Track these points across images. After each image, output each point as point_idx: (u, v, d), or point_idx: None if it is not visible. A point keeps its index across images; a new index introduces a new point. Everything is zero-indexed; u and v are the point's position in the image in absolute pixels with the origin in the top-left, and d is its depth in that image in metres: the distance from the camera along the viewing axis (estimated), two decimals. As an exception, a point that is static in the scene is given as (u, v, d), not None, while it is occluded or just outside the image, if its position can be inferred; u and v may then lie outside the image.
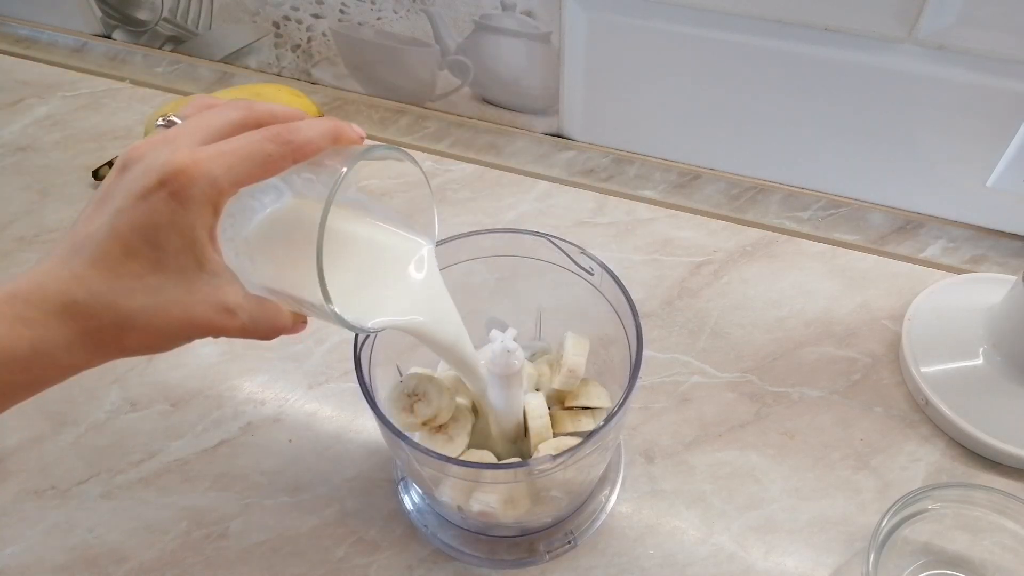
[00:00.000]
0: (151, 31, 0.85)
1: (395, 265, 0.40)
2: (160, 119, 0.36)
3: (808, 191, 0.70)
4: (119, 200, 0.31)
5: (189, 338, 0.33)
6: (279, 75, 0.83)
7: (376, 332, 0.40)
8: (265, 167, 0.32)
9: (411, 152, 0.37)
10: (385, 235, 0.41)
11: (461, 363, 0.44)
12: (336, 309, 0.34)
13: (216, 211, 0.32)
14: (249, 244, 0.36)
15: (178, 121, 0.35)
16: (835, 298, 0.64)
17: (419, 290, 0.41)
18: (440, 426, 0.48)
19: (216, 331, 0.34)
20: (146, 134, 0.75)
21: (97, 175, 0.74)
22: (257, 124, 0.34)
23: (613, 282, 0.46)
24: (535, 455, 0.48)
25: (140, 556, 0.51)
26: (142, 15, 0.84)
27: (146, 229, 0.31)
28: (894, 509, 0.47)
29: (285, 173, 0.34)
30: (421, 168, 0.38)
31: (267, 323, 0.36)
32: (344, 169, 0.33)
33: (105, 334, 0.32)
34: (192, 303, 0.33)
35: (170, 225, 0.31)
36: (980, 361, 0.57)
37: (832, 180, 0.69)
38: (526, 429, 0.50)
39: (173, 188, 0.31)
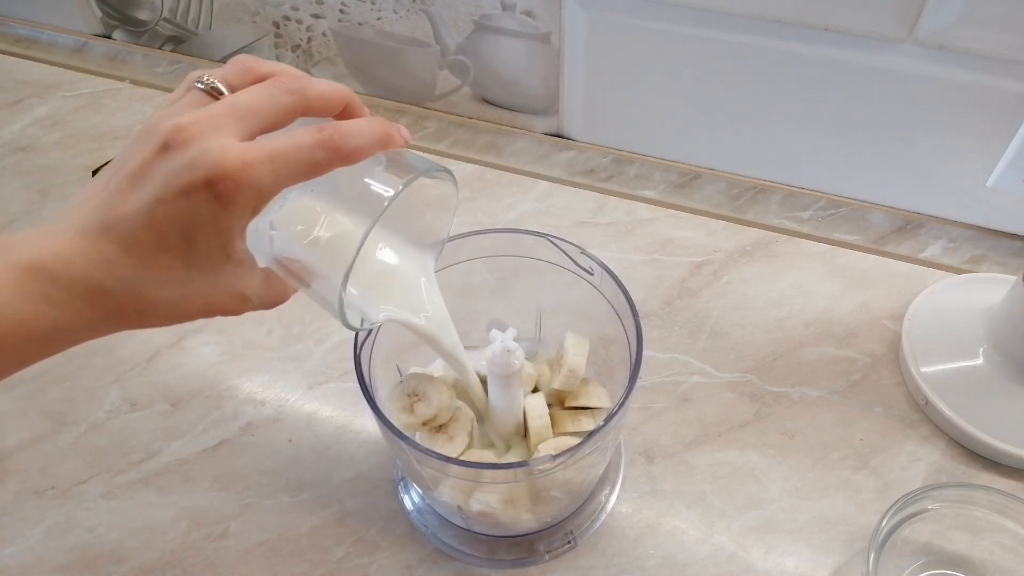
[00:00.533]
0: (151, 31, 0.85)
1: (400, 262, 0.41)
2: (199, 81, 0.33)
3: (808, 191, 0.70)
4: (159, 187, 0.30)
5: (203, 318, 0.34)
6: (279, 75, 0.83)
7: (372, 327, 0.40)
8: (313, 173, 0.32)
9: (411, 152, 0.37)
10: (394, 233, 0.41)
11: (450, 356, 0.45)
12: (347, 300, 0.35)
13: (255, 213, 0.32)
14: (273, 224, 0.36)
15: (223, 88, 0.33)
16: (835, 298, 0.64)
17: (419, 289, 0.41)
18: (440, 426, 0.48)
19: (228, 314, 0.34)
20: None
21: (97, 175, 0.74)
22: (307, 110, 0.34)
23: (613, 282, 0.46)
24: (535, 455, 0.48)
25: (140, 556, 0.51)
26: (142, 15, 0.84)
27: (185, 226, 0.31)
28: (894, 509, 0.47)
29: None
30: (457, 190, 0.39)
31: (271, 300, 0.37)
32: (400, 186, 0.34)
33: (127, 317, 0.32)
34: (214, 293, 0.33)
35: (209, 225, 0.31)
36: (980, 361, 0.57)
37: (832, 180, 0.69)
38: (526, 429, 0.50)
39: (219, 191, 0.30)
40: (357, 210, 0.35)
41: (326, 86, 0.34)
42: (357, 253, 0.33)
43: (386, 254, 0.41)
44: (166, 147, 0.31)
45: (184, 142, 0.30)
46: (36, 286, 0.30)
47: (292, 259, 0.36)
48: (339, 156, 0.32)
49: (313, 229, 0.35)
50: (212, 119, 0.31)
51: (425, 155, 0.76)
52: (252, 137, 0.32)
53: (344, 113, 0.35)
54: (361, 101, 0.36)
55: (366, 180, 0.35)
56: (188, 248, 0.31)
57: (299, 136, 0.32)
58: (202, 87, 0.33)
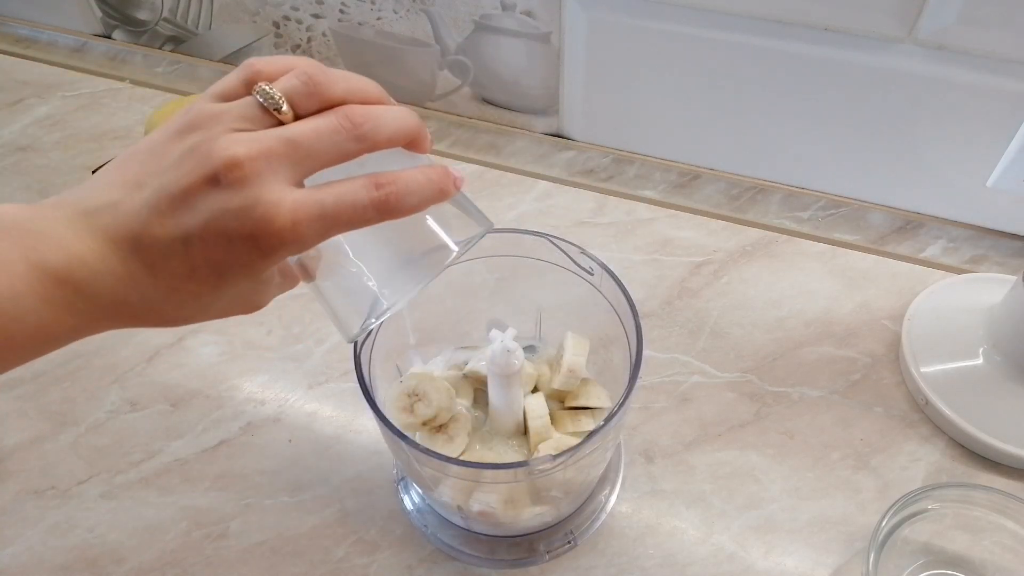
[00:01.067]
0: (151, 31, 0.85)
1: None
2: (259, 91, 0.30)
3: (808, 191, 0.70)
4: (200, 224, 0.29)
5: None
6: (279, 75, 0.83)
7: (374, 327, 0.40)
8: (360, 227, 0.31)
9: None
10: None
11: None
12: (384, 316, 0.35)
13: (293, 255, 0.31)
14: None
15: (285, 109, 0.30)
16: (835, 298, 0.64)
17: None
18: (440, 426, 0.48)
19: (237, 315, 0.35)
20: (147, 133, 0.75)
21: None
22: (373, 149, 0.32)
23: (613, 282, 0.46)
24: (535, 455, 0.48)
25: (140, 556, 0.51)
26: (142, 15, 0.84)
27: (219, 264, 0.30)
28: (894, 509, 0.47)
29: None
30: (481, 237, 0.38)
31: (273, 297, 0.36)
32: (463, 245, 0.34)
33: (142, 324, 0.32)
34: (231, 307, 0.33)
35: (244, 268, 0.30)
36: (980, 361, 0.57)
37: (832, 180, 0.69)
38: (526, 429, 0.50)
39: (263, 245, 0.29)
40: (409, 242, 0.34)
41: (395, 128, 0.32)
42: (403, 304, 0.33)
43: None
44: (216, 180, 0.29)
45: (236, 182, 0.29)
46: (61, 296, 0.29)
47: (315, 259, 0.36)
48: (391, 215, 0.31)
49: (355, 245, 0.34)
50: (270, 158, 0.29)
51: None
52: (307, 176, 0.31)
53: (407, 145, 0.34)
54: (427, 130, 0.34)
55: (427, 217, 0.34)
56: (218, 281, 0.31)
57: (355, 193, 0.30)
58: (262, 100, 0.31)
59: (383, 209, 0.31)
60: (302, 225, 0.29)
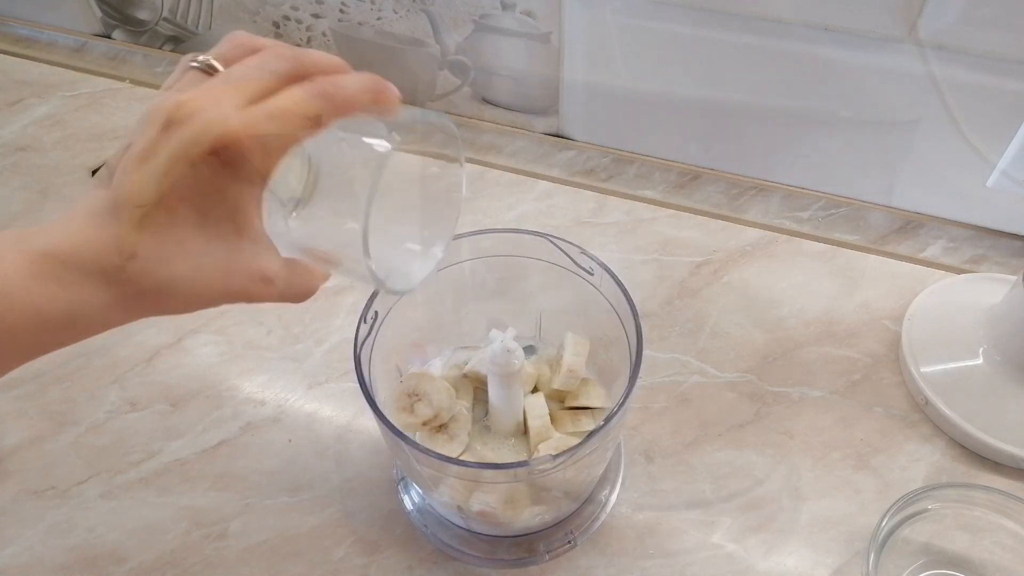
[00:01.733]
0: (151, 31, 0.85)
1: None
2: (194, 60, 0.33)
3: (808, 191, 0.70)
4: (165, 163, 0.30)
5: (226, 303, 0.34)
6: (279, 75, 0.83)
7: (405, 293, 0.40)
8: (314, 126, 0.32)
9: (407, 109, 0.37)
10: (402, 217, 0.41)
11: None
12: (379, 275, 0.35)
13: (264, 179, 0.32)
14: (284, 206, 0.36)
15: (218, 66, 0.33)
16: (835, 298, 0.64)
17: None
18: (440, 426, 0.48)
19: (253, 299, 0.34)
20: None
21: (96, 175, 0.74)
22: (302, 75, 0.33)
23: (613, 282, 0.46)
24: (535, 455, 0.48)
25: (140, 556, 0.51)
26: (142, 15, 0.84)
27: (195, 198, 0.31)
28: (894, 509, 0.47)
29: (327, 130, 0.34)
30: (461, 157, 0.38)
31: (300, 288, 0.36)
32: (387, 147, 0.34)
33: (144, 298, 0.32)
34: (231, 272, 0.33)
35: (218, 193, 0.31)
36: (980, 361, 0.57)
37: (832, 180, 0.69)
38: (526, 429, 0.50)
39: (226, 158, 0.30)
40: (364, 179, 0.34)
41: (320, 54, 0.34)
42: (368, 216, 0.33)
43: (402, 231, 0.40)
44: (169, 124, 0.30)
45: (186, 117, 0.30)
46: (49, 270, 0.30)
47: (315, 247, 0.36)
48: (335, 104, 0.32)
49: (323, 206, 0.35)
50: (211, 92, 0.31)
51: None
52: (253, 102, 0.32)
53: (371, 102, 0.35)
54: (390, 85, 0.36)
55: (364, 139, 0.35)
56: (200, 220, 0.31)
57: (292, 91, 0.32)
58: (197, 65, 0.33)
59: (323, 95, 0.32)
60: (254, 127, 0.30)
